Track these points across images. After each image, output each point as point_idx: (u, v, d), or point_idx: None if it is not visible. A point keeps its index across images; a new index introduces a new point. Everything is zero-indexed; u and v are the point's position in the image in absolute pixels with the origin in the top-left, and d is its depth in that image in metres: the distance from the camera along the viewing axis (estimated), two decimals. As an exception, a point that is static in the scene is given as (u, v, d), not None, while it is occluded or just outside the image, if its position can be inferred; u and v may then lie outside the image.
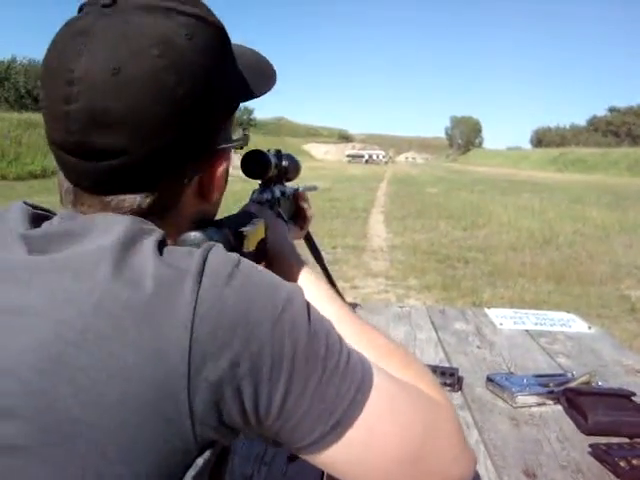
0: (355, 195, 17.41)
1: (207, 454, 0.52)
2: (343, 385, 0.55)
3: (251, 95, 0.71)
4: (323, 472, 0.63)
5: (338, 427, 0.55)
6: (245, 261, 0.57)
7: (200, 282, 0.52)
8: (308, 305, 0.57)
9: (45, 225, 0.61)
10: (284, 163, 1.06)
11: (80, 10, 0.61)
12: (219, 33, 0.64)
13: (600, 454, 1.10)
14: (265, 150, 0.97)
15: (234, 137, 0.70)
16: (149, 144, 0.58)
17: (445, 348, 1.76)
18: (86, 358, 0.49)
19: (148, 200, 0.61)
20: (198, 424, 0.50)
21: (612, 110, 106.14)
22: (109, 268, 0.51)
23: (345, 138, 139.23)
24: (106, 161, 0.58)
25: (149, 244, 0.54)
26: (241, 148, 0.78)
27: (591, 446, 1.14)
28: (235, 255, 0.57)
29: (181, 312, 0.50)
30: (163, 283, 0.51)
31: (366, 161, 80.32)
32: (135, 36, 0.57)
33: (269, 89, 0.74)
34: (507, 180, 32.00)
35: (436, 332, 1.92)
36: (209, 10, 0.64)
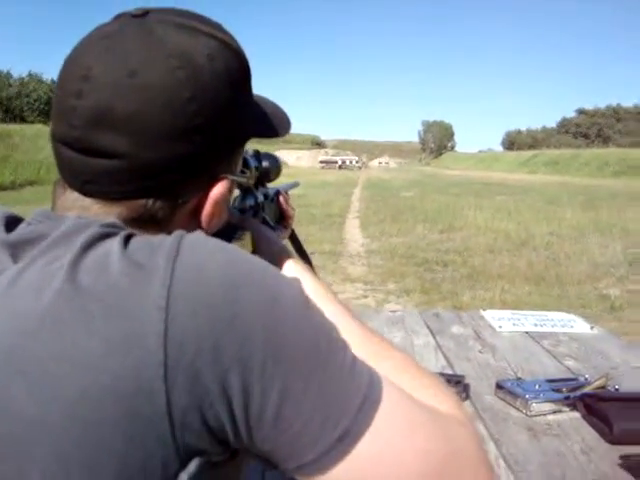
0: (330, 201, 17.32)
1: (193, 468, 0.45)
2: (349, 389, 0.48)
3: (263, 132, 0.70)
4: None
5: (346, 438, 0.46)
6: (233, 246, 0.53)
7: (176, 257, 0.47)
8: (307, 297, 0.52)
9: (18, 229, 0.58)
10: (264, 164, 0.94)
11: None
12: (241, 62, 0.64)
13: (633, 466, 1.01)
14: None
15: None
16: (148, 152, 0.56)
17: (445, 354, 1.67)
18: (43, 348, 0.44)
19: (134, 213, 0.58)
20: (178, 425, 0.44)
21: (580, 112, 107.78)
22: (69, 259, 0.48)
23: (317, 144, 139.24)
24: (100, 159, 0.56)
25: (115, 239, 0.50)
26: (241, 186, 0.76)
27: (622, 458, 1.04)
28: (219, 240, 0.52)
29: (153, 291, 0.45)
30: (131, 264, 0.47)
31: (339, 167, 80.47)
32: (157, 45, 0.57)
33: (284, 133, 0.73)
34: (481, 183, 32.25)
35: (434, 337, 1.82)
36: (234, 39, 0.64)
